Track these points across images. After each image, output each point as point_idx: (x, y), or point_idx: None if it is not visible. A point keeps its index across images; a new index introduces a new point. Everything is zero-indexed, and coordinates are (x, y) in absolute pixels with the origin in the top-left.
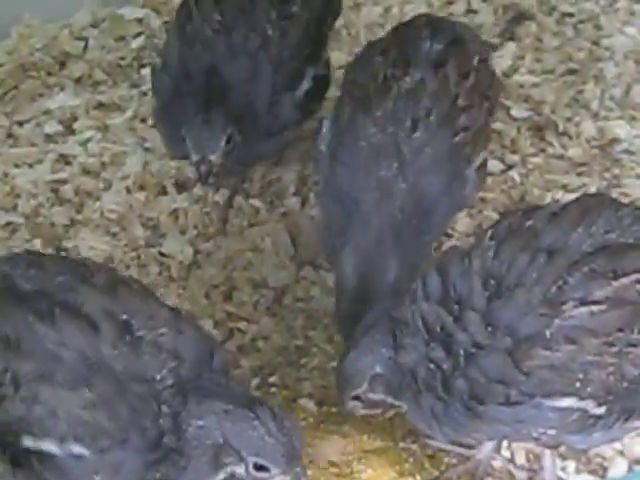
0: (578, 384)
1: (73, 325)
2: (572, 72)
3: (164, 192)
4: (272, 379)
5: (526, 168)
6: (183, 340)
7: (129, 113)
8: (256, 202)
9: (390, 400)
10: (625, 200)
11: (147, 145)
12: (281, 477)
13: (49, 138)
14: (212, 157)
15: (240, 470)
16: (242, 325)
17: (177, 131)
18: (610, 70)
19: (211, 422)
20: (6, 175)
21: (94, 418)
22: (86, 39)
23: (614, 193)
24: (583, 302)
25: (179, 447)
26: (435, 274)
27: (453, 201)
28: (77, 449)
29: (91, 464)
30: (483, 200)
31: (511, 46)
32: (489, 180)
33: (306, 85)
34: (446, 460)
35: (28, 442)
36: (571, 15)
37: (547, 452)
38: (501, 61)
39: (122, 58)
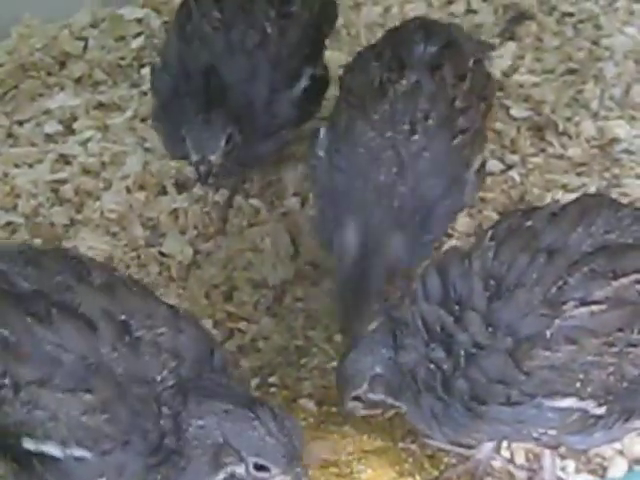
0: (578, 384)
1: (71, 326)
2: (572, 72)
3: (164, 192)
4: (272, 379)
5: (526, 168)
6: (183, 339)
7: (129, 113)
8: (256, 202)
9: (390, 400)
10: (625, 200)
11: (147, 145)
12: (281, 477)
13: (49, 138)
14: (212, 157)
15: (240, 470)
16: (242, 325)
17: (177, 131)
18: (610, 70)
19: (211, 422)
20: (6, 175)
21: (95, 422)
22: (86, 39)
23: (614, 193)
24: (583, 302)
25: (179, 448)
26: (435, 275)
27: (453, 203)
28: (79, 452)
29: (94, 467)
30: (483, 200)
31: (511, 46)
32: (489, 180)
33: (303, 84)
34: (445, 460)
35: (29, 444)
36: (571, 15)
37: (547, 452)
38: (501, 61)
39: (122, 58)
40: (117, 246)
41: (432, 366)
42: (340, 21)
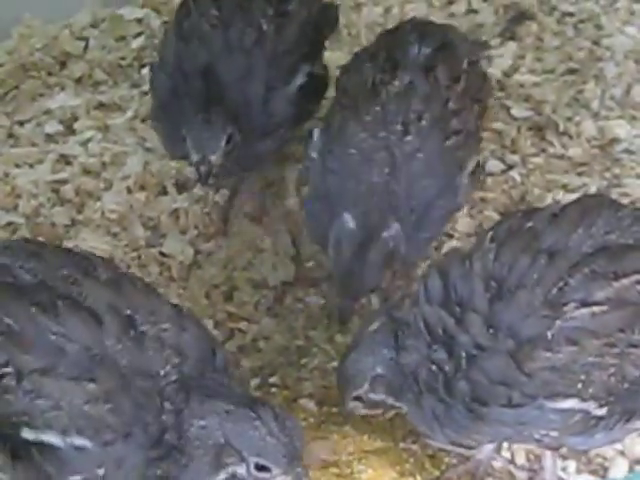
0: (580, 385)
1: (76, 317)
2: (572, 72)
3: (164, 192)
4: (273, 379)
5: (526, 168)
6: (186, 337)
7: (130, 113)
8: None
9: (391, 401)
10: (625, 200)
11: (148, 145)
12: (282, 477)
13: (50, 138)
14: (212, 157)
15: (241, 470)
16: (243, 325)
17: (176, 131)
18: (610, 70)
19: (213, 422)
20: (7, 175)
21: (98, 411)
22: (86, 39)
23: (614, 193)
24: (584, 303)
25: (180, 446)
26: (436, 276)
27: (446, 204)
28: (80, 441)
29: (94, 457)
30: (484, 200)
31: (512, 46)
32: (489, 180)
33: (300, 80)
34: (446, 460)
35: (29, 434)
36: (571, 15)
37: (548, 452)
38: (502, 61)
39: (122, 58)
40: (118, 246)
41: (434, 367)
42: (341, 21)
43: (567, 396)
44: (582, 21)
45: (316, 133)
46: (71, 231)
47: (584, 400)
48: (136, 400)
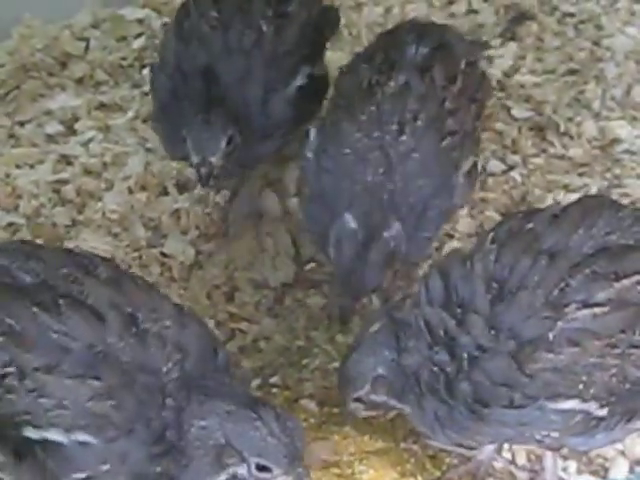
0: (581, 386)
1: (78, 316)
2: (573, 72)
3: (165, 192)
4: (273, 380)
5: (527, 168)
6: (187, 334)
7: (130, 113)
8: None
9: (392, 402)
10: (626, 200)
11: (148, 145)
12: (283, 478)
13: (50, 138)
14: (213, 159)
15: (242, 471)
16: (244, 326)
17: (177, 132)
18: (611, 70)
19: (213, 423)
20: (7, 176)
21: (101, 408)
22: (87, 39)
23: (615, 193)
24: (585, 304)
25: (181, 445)
26: (437, 278)
27: (442, 204)
28: (84, 437)
29: (98, 453)
30: (484, 200)
31: (512, 46)
32: (490, 180)
33: (299, 82)
34: (447, 461)
35: (32, 433)
36: (572, 15)
37: (548, 453)
38: (502, 61)
39: (123, 58)
40: (119, 247)
41: (435, 369)
42: (341, 21)
43: (568, 397)
44: (583, 21)
45: (312, 132)
46: (72, 231)
47: (585, 401)
48: (139, 396)
